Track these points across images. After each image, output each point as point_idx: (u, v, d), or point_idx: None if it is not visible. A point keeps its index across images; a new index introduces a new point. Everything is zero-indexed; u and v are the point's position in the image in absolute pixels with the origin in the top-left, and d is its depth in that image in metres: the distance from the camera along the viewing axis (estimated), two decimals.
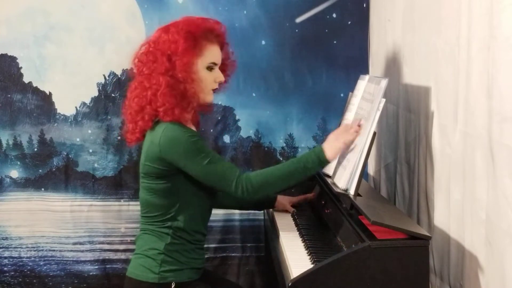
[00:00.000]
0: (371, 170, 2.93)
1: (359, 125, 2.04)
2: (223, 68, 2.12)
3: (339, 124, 2.31)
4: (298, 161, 2.01)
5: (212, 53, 2.05)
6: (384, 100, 1.99)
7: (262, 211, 2.59)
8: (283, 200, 2.47)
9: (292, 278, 1.72)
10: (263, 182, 1.97)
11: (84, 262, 3.02)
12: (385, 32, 2.66)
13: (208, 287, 2.12)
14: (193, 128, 2.10)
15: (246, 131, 3.03)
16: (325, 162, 2.01)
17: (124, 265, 2.98)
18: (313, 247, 1.99)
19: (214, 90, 2.08)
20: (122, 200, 3.02)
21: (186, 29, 1.99)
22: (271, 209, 2.47)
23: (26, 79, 2.95)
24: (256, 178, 1.96)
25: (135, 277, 2.03)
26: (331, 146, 2.02)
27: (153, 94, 1.97)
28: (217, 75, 2.06)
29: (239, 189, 1.93)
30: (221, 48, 2.10)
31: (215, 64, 2.05)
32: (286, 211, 2.45)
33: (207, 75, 2.04)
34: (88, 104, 2.98)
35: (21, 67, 2.94)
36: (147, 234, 2.07)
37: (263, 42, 2.95)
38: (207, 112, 2.25)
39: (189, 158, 1.93)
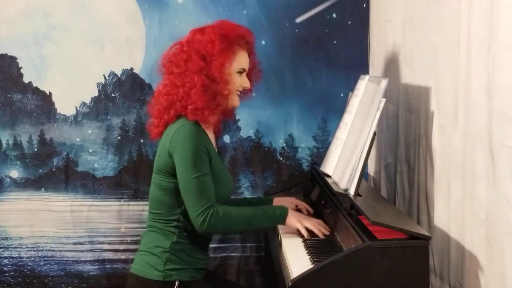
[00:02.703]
0: (371, 170, 2.93)
1: (324, 233, 2.07)
2: (249, 77, 2.18)
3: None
4: (262, 209, 2.07)
5: (243, 59, 2.12)
6: (384, 100, 1.99)
7: None
8: (280, 201, 2.45)
9: (292, 278, 1.72)
10: (227, 219, 1.98)
11: (84, 262, 3.02)
12: (385, 32, 2.66)
13: (210, 287, 2.13)
14: (211, 135, 2.13)
15: (246, 131, 3.03)
16: (281, 221, 2.06)
17: (124, 265, 2.98)
18: (313, 247, 1.99)
19: (239, 95, 2.14)
20: (122, 200, 3.02)
21: (221, 31, 2.06)
22: None
23: (26, 79, 2.95)
24: (223, 213, 1.97)
25: (140, 274, 2.05)
26: (295, 218, 2.07)
27: (186, 92, 2.02)
28: (244, 80, 2.14)
29: (202, 218, 1.94)
30: (249, 56, 2.16)
31: (244, 70, 2.12)
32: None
33: (237, 79, 2.10)
34: (88, 104, 2.98)
35: (21, 67, 2.94)
36: (153, 232, 2.09)
37: (263, 42, 2.95)
38: (229, 118, 2.35)
39: (184, 163, 1.97)
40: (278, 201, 2.45)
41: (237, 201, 2.54)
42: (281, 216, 2.05)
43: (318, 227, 2.08)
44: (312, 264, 1.86)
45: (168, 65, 2.09)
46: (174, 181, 2.01)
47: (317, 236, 2.07)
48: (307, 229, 2.07)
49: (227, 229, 2.08)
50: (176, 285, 2.01)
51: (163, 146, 2.04)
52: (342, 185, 2.06)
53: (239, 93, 2.13)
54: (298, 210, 2.39)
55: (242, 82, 2.12)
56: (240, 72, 2.11)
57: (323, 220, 2.23)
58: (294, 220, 2.07)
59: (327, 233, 2.08)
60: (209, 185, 1.98)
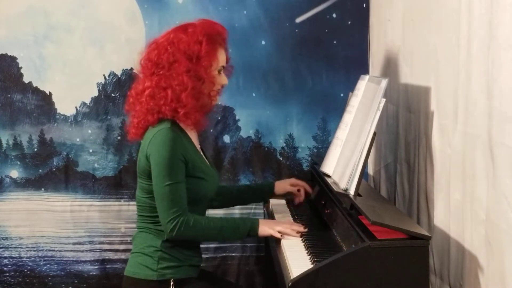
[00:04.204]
0: (371, 170, 2.93)
1: (300, 232, 2.08)
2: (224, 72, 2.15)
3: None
4: (234, 221, 2.08)
5: (222, 57, 2.10)
6: (384, 100, 1.99)
7: (263, 211, 2.59)
8: (282, 183, 2.48)
9: (292, 278, 1.72)
10: (197, 228, 1.98)
11: (84, 262, 3.02)
12: (385, 32, 2.66)
13: (207, 286, 2.12)
14: (194, 135, 2.12)
15: (246, 131, 3.03)
16: (253, 233, 2.05)
17: (124, 265, 2.93)
18: (313, 247, 1.98)
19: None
20: (122, 200, 3.02)
21: (205, 31, 2.03)
22: (271, 209, 2.47)
23: (26, 79, 2.95)
24: (193, 222, 1.97)
25: (134, 275, 2.04)
26: (266, 226, 2.06)
27: (176, 94, 1.99)
28: (223, 78, 2.12)
29: (171, 225, 1.94)
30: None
31: (223, 67, 2.11)
32: (285, 212, 2.45)
33: (218, 78, 2.09)
34: (88, 104, 2.98)
35: (21, 67, 2.94)
36: (143, 232, 2.08)
37: (263, 42, 2.95)
38: (208, 113, 2.28)
39: (158, 169, 1.96)
40: (279, 184, 2.46)
41: (237, 188, 2.55)
42: (251, 228, 2.04)
43: (290, 228, 2.08)
44: (312, 264, 1.86)
45: (149, 65, 2.04)
46: None
47: (312, 236, 2.07)
48: (284, 233, 2.07)
49: (196, 237, 2.07)
50: (171, 284, 2.01)
51: (142, 150, 2.03)
52: (342, 185, 2.06)
53: (219, 91, 2.12)
54: (299, 191, 2.46)
55: (222, 80, 2.10)
56: (220, 71, 2.09)
57: (323, 220, 2.24)
58: (266, 229, 2.06)
59: (301, 230, 2.08)
60: (181, 193, 1.97)
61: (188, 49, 2.00)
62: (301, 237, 2.08)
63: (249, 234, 2.05)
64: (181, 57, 2.00)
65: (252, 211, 2.94)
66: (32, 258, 3.01)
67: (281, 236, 2.05)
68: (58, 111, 2.98)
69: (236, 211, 2.91)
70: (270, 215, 2.44)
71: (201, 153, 2.16)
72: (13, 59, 2.94)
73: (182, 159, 1.98)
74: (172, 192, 1.95)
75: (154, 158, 1.97)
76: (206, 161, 2.16)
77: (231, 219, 2.08)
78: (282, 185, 2.47)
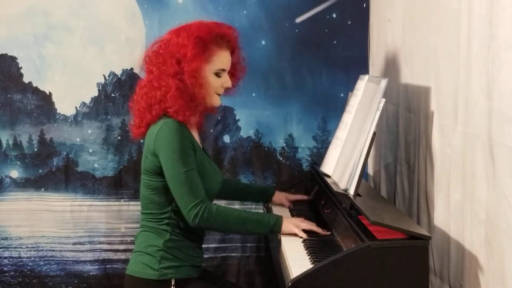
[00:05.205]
0: (371, 170, 2.93)
1: (322, 232, 2.08)
2: (233, 72, 2.15)
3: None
4: (257, 214, 2.07)
5: (221, 59, 2.06)
6: (384, 100, 1.99)
7: (263, 210, 2.59)
8: (280, 195, 2.49)
9: (292, 278, 1.72)
10: (221, 215, 1.98)
11: (84, 262, 3.02)
12: (385, 32, 2.66)
13: (208, 286, 2.13)
14: (195, 133, 2.12)
15: (246, 131, 3.03)
16: (276, 229, 2.04)
17: (124, 265, 2.97)
18: (313, 247, 1.99)
19: (220, 94, 2.11)
20: (122, 200, 3.02)
21: (196, 34, 2.01)
22: (270, 208, 2.47)
23: (26, 79, 2.95)
24: (216, 209, 1.97)
25: (135, 274, 2.05)
26: (290, 223, 2.06)
27: (163, 95, 2.00)
28: (225, 80, 2.09)
29: (194, 213, 1.94)
30: (232, 53, 2.12)
31: (223, 70, 2.08)
32: (285, 208, 2.46)
33: (214, 80, 2.06)
34: (88, 104, 2.98)
35: (21, 67, 2.94)
36: (146, 231, 2.09)
37: (263, 42, 2.95)
38: (212, 112, 2.30)
39: (171, 160, 1.96)
40: (279, 194, 2.49)
41: (240, 185, 2.55)
42: (276, 225, 2.03)
43: (315, 226, 2.09)
44: (311, 264, 1.86)
45: (148, 64, 2.07)
46: (162, 180, 2.00)
47: (315, 236, 2.07)
48: (305, 231, 2.06)
49: (220, 226, 2.03)
50: (172, 283, 2.01)
51: (148, 147, 2.03)
52: (342, 185, 2.06)
53: (219, 93, 2.09)
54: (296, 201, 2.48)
55: (223, 82, 2.08)
56: (218, 74, 2.06)
57: (323, 220, 2.24)
58: (290, 226, 2.05)
59: (326, 232, 2.09)
60: (198, 180, 1.97)
61: (177, 52, 2.00)
62: (302, 241, 2.08)
63: (271, 230, 2.05)
64: (169, 59, 2.00)
65: (253, 208, 2.94)
66: (32, 258, 3.01)
67: (306, 235, 2.04)
68: (58, 111, 2.98)
69: (237, 206, 2.92)
70: None
71: (204, 151, 2.17)
72: (13, 59, 2.94)
73: (191, 146, 1.99)
74: (189, 179, 1.94)
75: (164, 151, 1.97)
76: (209, 159, 2.17)
77: (255, 212, 2.07)
78: (279, 198, 2.49)
